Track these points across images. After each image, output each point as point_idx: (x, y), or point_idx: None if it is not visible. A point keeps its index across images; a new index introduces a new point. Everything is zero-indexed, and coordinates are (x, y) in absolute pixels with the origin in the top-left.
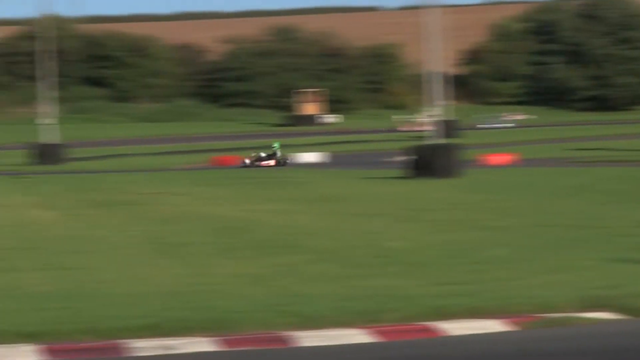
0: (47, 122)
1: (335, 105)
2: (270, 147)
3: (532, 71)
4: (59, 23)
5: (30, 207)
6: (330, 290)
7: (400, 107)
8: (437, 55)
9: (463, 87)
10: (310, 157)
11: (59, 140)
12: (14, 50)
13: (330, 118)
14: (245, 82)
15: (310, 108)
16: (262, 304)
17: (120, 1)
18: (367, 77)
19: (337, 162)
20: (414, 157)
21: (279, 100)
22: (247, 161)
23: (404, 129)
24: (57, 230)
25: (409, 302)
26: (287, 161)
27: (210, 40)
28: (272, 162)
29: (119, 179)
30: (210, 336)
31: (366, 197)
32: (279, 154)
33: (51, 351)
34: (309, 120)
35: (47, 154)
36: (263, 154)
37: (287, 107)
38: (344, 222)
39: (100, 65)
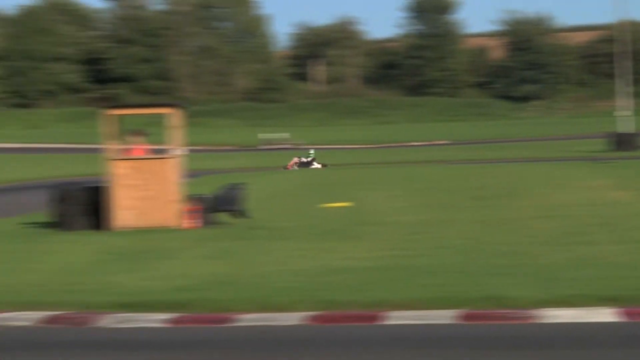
0: (624, 114)
1: None
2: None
3: None
4: (635, 27)
5: (608, 189)
6: None
7: None
8: None
9: None
10: None
11: (634, 129)
12: (595, 52)
13: None
14: None
15: None
16: None
17: None
18: None
19: None
20: None
21: None
22: (296, 167)
23: None
24: (630, 209)
25: None
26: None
27: None
28: (319, 165)
29: None
30: None
31: None
32: (315, 158)
33: (628, 314)
34: None
35: (623, 142)
36: (304, 159)
37: None
38: None
39: None
